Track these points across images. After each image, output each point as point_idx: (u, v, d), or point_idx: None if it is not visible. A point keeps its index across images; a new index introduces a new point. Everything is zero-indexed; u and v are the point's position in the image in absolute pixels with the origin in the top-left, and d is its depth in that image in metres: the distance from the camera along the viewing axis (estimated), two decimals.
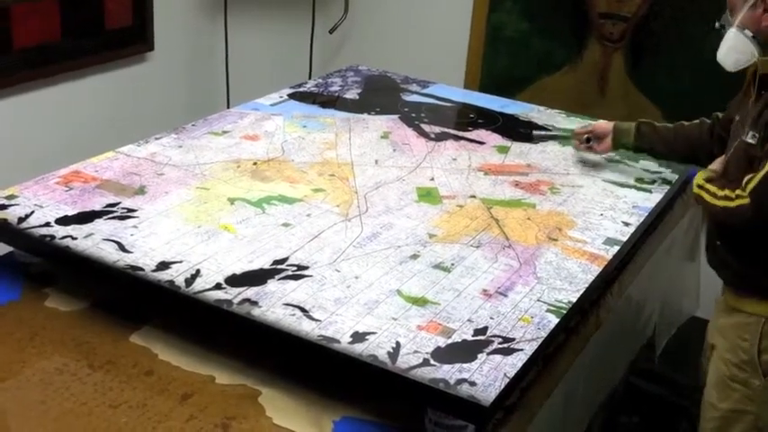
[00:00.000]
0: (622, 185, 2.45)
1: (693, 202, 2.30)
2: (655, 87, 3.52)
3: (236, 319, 1.69)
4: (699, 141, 2.35)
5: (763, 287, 2.02)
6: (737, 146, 2.01)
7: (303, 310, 1.70)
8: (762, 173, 1.86)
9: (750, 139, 1.94)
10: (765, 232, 1.94)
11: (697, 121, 2.38)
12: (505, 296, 1.82)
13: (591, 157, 2.60)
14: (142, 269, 1.80)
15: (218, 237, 1.96)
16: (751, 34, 1.95)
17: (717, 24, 2.04)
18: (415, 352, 1.60)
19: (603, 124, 2.52)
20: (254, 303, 1.71)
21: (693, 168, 2.69)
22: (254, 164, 2.39)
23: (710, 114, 2.35)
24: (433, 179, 2.38)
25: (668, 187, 2.47)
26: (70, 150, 2.67)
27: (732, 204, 1.91)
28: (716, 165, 2.10)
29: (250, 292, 1.74)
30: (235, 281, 1.78)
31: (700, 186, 2.01)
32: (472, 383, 1.52)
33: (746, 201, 1.88)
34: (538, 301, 1.82)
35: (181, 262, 1.84)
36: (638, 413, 2.83)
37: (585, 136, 2.54)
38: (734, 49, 1.99)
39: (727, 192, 1.93)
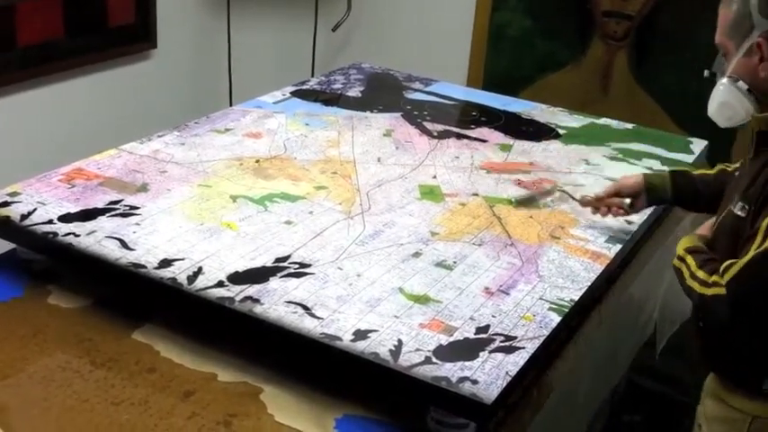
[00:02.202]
0: None
1: None
2: (659, 86, 3.52)
3: (238, 317, 1.69)
4: None
5: (750, 383, 1.71)
6: (726, 215, 1.71)
7: (305, 307, 1.70)
8: (744, 260, 1.55)
9: (739, 210, 1.65)
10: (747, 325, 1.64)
11: (735, 165, 1.99)
12: (507, 294, 1.82)
13: (594, 156, 2.60)
14: (144, 266, 1.80)
15: (221, 234, 1.96)
16: (746, 87, 1.65)
17: (706, 73, 1.75)
18: (417, 350, 1.60)
19: (629, 182, 2.08)
20: (256, 301, 1.71)
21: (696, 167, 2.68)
22: (257, 161, 2.39)
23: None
24: (435, 177, 2.38)
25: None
26: (73, 148, 2.67)
27: (707, 293, 1.61)
28: (704, 229, 1.81)
29: (252, 290, 1.75)
30: (237, 278, 1.78)
31: (680, 258, 1.72)
32: (474, 381, 1.52)
33: (722, 291, 1.57)
34: (540, 299, 1.82)
35: (183, 259, 1.84)
36: (640, 411, 2.83)
37: (629, 200, 2.08)
38: (726, 106, 1.69)
39: (703, 273, 1.63)
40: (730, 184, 1.80)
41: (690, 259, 1.69)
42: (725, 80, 1.67)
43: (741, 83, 1.65)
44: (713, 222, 1.77)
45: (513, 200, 2.11)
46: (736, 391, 1.74)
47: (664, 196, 2.06)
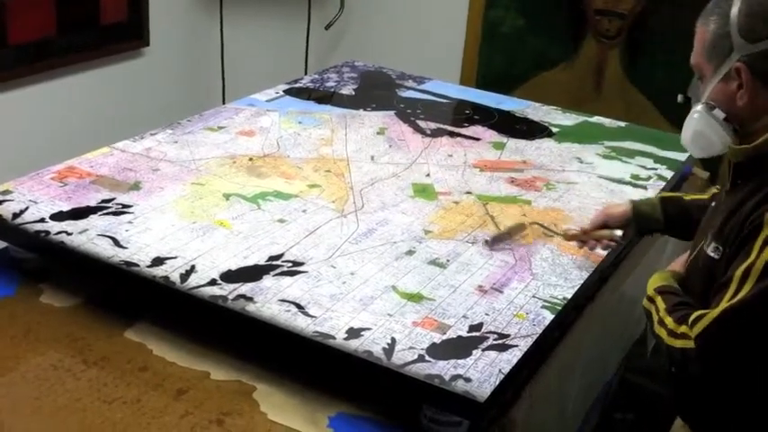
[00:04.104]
0: (618, 182, 2.45)
1: None
2: (651, 84, 3.53)
3: (231, 315, 1.68)
4: None
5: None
6: (698, 255, 1.56)
7: (298, 306, 1.70)
8: (715, 313, 1.40)
9: (712, 252, 1.49)
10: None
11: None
12: (501, 292, 1.82)
13: (587, 154, 2.60)
14: (137, 265, 1.80)
15: (214, 232, 1.96)
16: (722, 116, 1.48)
17: (680, 97, 1.61)
18: (411, 348, 1.60)
19: (616, 213, 1.96)
20: (249, 299, 1.71)
21: (689, 165, 2.69)
22: (250, 160, 2.38)
23: None
24: (428, 175, 2.38)
25: (663, 184, 2.47)
26: (65, 146, 2.66)
27: (675, 344, 1.46)
28: (677, 264, 1.67)
29: (245, 288, 1.74)
30: (230, 277, 1.78)
31: (650, 299, 1.57)
32: (467, 379, 1.52)
33: (690, 345, 1.43)
34: (533, 297, 1.82)
35: (176, 258, 1.83)
36: (632, 409, 2.83)
37: (618, 232, 1.95)
38: (701, 136, 1.53)
39: (671, 321, 1.48)
40: (705, 216, 1.65)
41: (659, 301, 1.54)
42: (699, 107, 1.51)
43: (717, 111, 1.48)
44: (687, 257, 1.64)
45: (485, 240, 1.98)
46: None
47: (655, 226, 1.94)
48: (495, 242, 1.99)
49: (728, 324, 1.40)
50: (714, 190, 1.88)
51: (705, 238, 1.54)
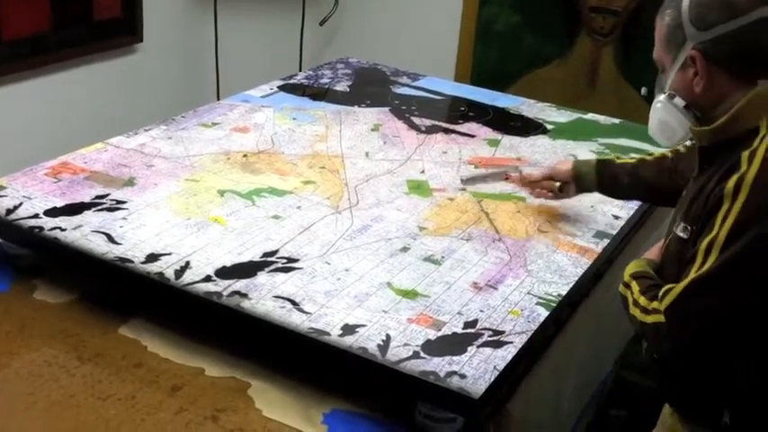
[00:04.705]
0: None
1: None
2: (645, 81, 3.52)
3: (225, 312, 1.68)
4: (658, 186, 1.98)
5: (708, 416, 1.58)
6: (671, 238, 1.60)
7: (293, 302, 1.70)
8: (682, 285, 1.44)
9: (681, 232, 1.54)
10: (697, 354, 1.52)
11: (658, 154, 2.03)
12: (495, 289, 1.82)
13: (581, 151, 2.60)
14: (131, 261, 1.79)
15: (208, 229, 1.96)
16: (683, 104, 1.54)
17: (644, 90, 1.69)
18: (405, 345, 1.60)
19: (562, 169, 2.11)
20: (244, 296, 1.71)
21: None
22: (244, 156, 2.38)
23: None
24: (423, 172, 2.38)
25: None
26: (59, 141, 2.66)
27: (647, 320, 1.49)
28: (653, 252, 1.71)
29: (240, 285, 1.74)
30: (224, 273, 1.78)
31: (626, 285, 1.60)
32: (462, 376, 1.53)
33: (661, 319, 1.45)
34: (528, 294, 1.82)
35: (170, 254, 1.83)
36: (627, 406, 2.83)
37: (558, 184, 2.12)
38: (666, 124, 1.59)
39: (644, 300, 1.51)
40: (677, 206, 1.68)
41: (634, 285, 1.57)
42: (661, 97, 1.57)
43: (678, 99, 1.54)
44: (662, 245, 1.68)
45: (462, 178, 2.20)
46: (694, 425, 1.62)
47: (590, 186, 2.08)
48: (469, 181, 2.19)
49: (695, 295, 1.44)
50: (646, 156, 2.04)
51: (675, 222, 1.59)
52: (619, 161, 2.07)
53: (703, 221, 1.47)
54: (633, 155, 2.12)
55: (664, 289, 1.48)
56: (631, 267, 1.64)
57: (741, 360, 1.51)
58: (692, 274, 1.44)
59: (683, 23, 1.49)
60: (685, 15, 1.49)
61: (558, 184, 2.12)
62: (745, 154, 1.44)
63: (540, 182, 2.15)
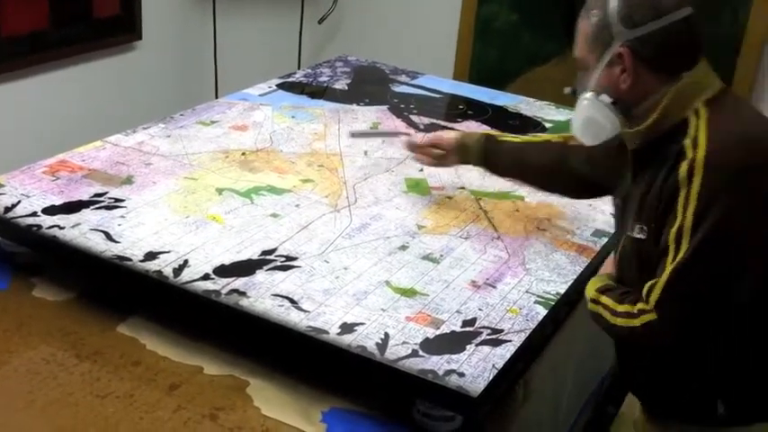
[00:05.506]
0: None
1: None
2: None
3: (224, 310, 1.68)
4: (541, 170, 2.01)
5: (701, 410, 1.60)
6: (625, 243, 1.61)
7: (292, 300, 1.70)
8: (665, 278, 1.46)
9: (638, 234, 1.55)
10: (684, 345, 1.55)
11: (545, 137, 2.07)
12: (494, 287, 1.82)
13: None
14: (130, 259, 1.79)
15: (207, 227, 1.96)
16: (609, 100, 1.56)
17: (567, 89, 1.70)
18: (404, 343, 1.60)
19: (447, 137, 2.14)
20: (243, 294, 1.70)
21: None
22: (243, 154, 2.38)
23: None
24: (422, 170, 2.38)
25: None
26: (57, 139, 2.66)
27: (637, 323, 1.49)
28: (608, 266, 1.72)
29: (238, 283, 1.74)
30: (223, 271, 1.78)
31: (595, 301, 1.60)
32: (461, 374, 1.53)
33: (653, 317, 1.47)
34: (526, 292, 1.82)
35: (169, 252, 1.83)
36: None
37: (438, 152, 2.15)
38: (591, 122, 1.60)
39: (626, 306, 1.52)
40: (618, 215, 1.71)
41: (605, 299, 1.58)
42: (588, 95, 1.59)
43: (604, 96, 1.57)
44: (613, 258, 1.70)
45: (351, 132, 2.38)
46: (686, 424, 1.63)
47: (472, 158, 2.10)
48: (358, 134, 2.34)
49: (679, 284, 1.45)
50: (533, 138, 2.10)
51: (626, 229, 1.60)
52: (504, 139, 2.11)
53: (662, 215, 1.50)
54: (522, 136, 2.15)
55: (646, 288, 1.48)
56: (593, 285, 1.65)
57: (735, 341, 1.54)
58: (669, 266, 1.46)
59: (610, 22, 1.53)
60: (613, 14, 1.53)
61: (438, 152, 2.15)
62: (687, 142, 1.48)
63: (424, 147, 2.18)
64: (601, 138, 1.63)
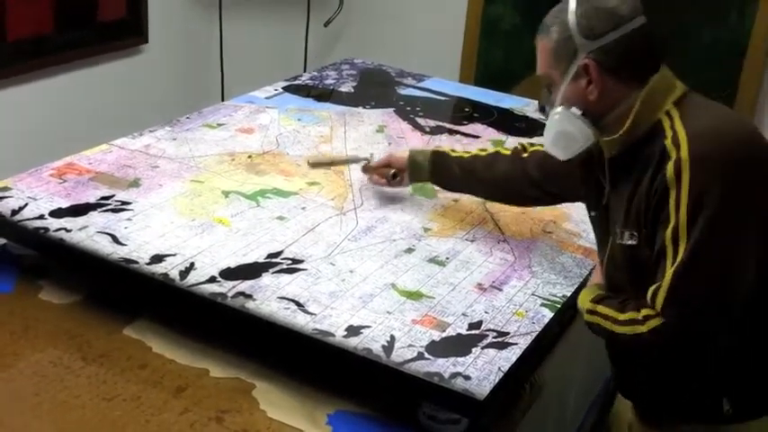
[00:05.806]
0: None
1: None
2: None
3: (230, 313, 1.68)
4: (491, 182, 2.03)
5: (707, 408, 1.60)
6: (612, 251, 1.61)
7: (298, 303, 1.70)
8: (668, 281, 1.45)
9: (629, 240, 1.55)
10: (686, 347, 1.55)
11: (491, 150, 2.07)
12: (500, 290, 1.82)
13: None
14: (136, 262, 1.79)
15: (213, 230, 1.96)
16: (579, 112, 1.57)
17: (535, 108, 1.73)
18: (410, 346, 1.60)
19: (398, 156, 2.17)
20: (249, 297, 1.71)
21: None
22: (249, 157, 2.38)
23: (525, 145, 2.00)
24: None
25: None
26: (64, 143, 2.66)
27: (644, 329, 1.48)
28: (596, 277, 1.71)
29: (244, 286, 1.74)
30: (229, 274, 1.78)
31: (591, 312, 1.60)
32: (467, 377, 1.52)
33: (660, 321, 1.46)
34: (532, 295, 1.82)
35: (175, 255, 1.83)
36: None
37: (392, 171, 2.15)
38: (563, 135, 1.60)
39: (630, 314, 1.51)
40: (598, 225, 1.71)
41: (602, 308, 1.58)
42: (559, 109, 1.59)
43: (574, 109, 1.57)
44: (600, 269, 1.70)
45: (308, 161, 2.32)
46: (693, 424, 1.63)
47: (423, 175, 2.13)
48: (316, 163, 2.31)
49: (683, 284, 1.45)
50: (480, 152, 2.08)
51: (615, 236, 1.59)
52: (454, 153, 2.12)
53: (653, 218, 1.50)
54: (470, 149, 2.15)
55: (650, 292, 1.47)
56: (586, 296, 1.64)
57: (737, 337, 1.54)
58: (670, 268, 1.45)
59: (572, 35, 1.55)
60: (573, 27, 1.55)
61: (391, 171, 2.16)
62: (668, 142, 1.48)
63: (377, 168, 2.20)
64: (573, 151, 1.62)
